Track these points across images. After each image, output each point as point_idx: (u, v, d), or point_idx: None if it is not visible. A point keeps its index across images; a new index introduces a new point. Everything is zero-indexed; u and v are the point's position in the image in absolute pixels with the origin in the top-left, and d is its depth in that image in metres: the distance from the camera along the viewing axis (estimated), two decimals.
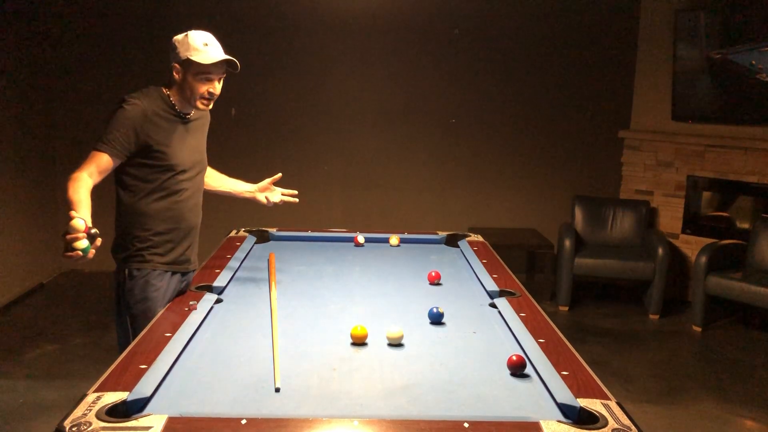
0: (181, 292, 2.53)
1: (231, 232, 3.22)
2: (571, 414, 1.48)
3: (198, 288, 2.33)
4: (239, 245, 2.94)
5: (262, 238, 3.17)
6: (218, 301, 2.26)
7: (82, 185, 2.18)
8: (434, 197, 5.77)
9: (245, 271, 2.66)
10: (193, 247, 2.55)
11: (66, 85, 5.37)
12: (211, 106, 2.43)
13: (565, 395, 1.54)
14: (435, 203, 5.76)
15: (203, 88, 2.32)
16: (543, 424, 1.40)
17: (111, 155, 2.25)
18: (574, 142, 5.72)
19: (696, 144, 5.24)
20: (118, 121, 2.25)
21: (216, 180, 2.82)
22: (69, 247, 1.95)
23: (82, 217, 1.99)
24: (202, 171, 2.60)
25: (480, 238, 3.21)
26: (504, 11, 5.49)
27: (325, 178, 5.71)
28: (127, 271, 2.40)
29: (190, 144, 2.47)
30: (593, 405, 1.49)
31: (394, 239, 3.19)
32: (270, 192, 2.82)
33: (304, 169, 5.70)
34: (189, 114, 2.44)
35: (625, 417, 1.44)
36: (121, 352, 2.42)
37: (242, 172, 6.03)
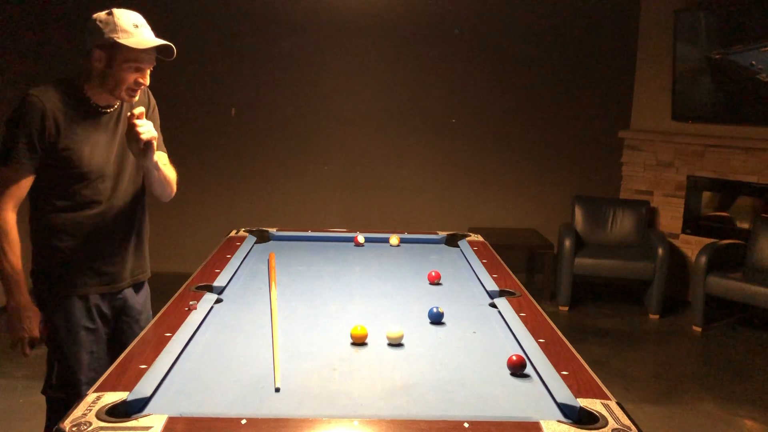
0: (120, 310, 2.27)
1: (231, 232, 3.21)
2: (571, 414, 1.48)
3: (198, 288, 2.33)
4: (239, 245, 2.94)
5: (262, 238, 3.16)
6: (218, 301, 2.26)
7: (16, 241, 1.98)
8: (434, 197, 5.77)
9: (245, 271, 2.66)
10: (126, 262, 2.24)
11: None
12: (137, 98, 2.07)
13: (565, 395, 1.54)
14: (435, 203, 5.76)
15: (131, 78, 1.98)
16: (543, 424, 1.40)
17: (25, 174, 1.97)
18: (574, 142, 5.72)
19: (696, 144, 5.24)
20: (18, 129, 1.94)
21: None
22: (25, 347, 2.03)
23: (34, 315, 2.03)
24: (137, 174, 2.18)
25: (480, 238, 3.21)
26: (504, 12, 5.50)
27: (325, 178, 5.71)
28: (40, 297, 2.13)
29: (110, 144, 2.08)
30: (593, 405, 1.49)
31: (394, 239, 3.19)
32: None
33: (304, 169, 5.70)
34: (110, 108, 2.07)
35: (625, 417, 1.44)
36: (45, 385, 2.17)
37: (242, 173, 6.05)
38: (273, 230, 3.25)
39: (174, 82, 5.44)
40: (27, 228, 2.16)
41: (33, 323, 2.06)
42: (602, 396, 1.54)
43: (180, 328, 1.92)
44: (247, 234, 3.15)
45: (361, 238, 3.15)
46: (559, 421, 1.42)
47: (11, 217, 2.00)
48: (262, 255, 2.91)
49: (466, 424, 1.40)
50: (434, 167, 5.75)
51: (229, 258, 2.71)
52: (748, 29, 4.81)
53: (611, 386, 1.70)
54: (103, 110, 2.07)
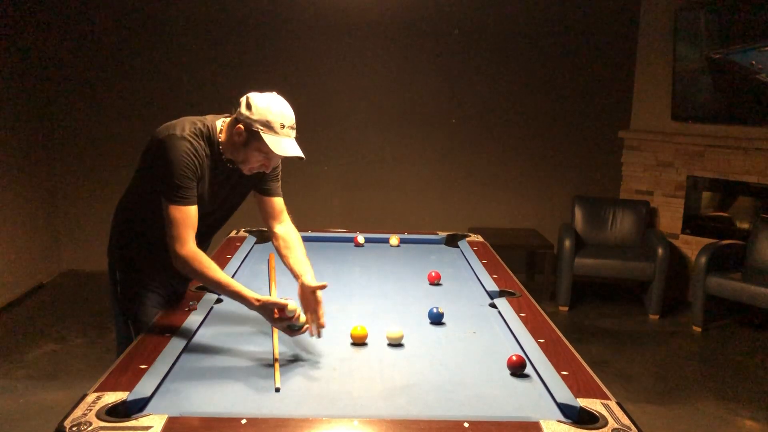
0: (175, 291, 2.43)
1: (231, 232, 3.22)
2: (571, 414, 1.48)
3: (198, 288, 2.33)
4: (239, 245, 2.94)
5: (262, 238, 3.17)
6: (218, 301, 2.26)
7: (210, 261, 2.05)
8: (434, 197, 5.77)
9: (245, 271, 2.66)
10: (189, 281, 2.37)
11: (66, 88, 5.37)
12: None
13: (565, 395, 1.54)
14: (435, 203, 5.76)
15: (257, 163, 2.12)
16: (543, 424, 1.40)
17: (194, 209, 2.08)
18: (574, 142, 5.72)
19: (696, 144, 5.24)
20: (184, 170, 2.03)
21: (288, 254, 2.41)
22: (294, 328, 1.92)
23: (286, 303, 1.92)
24: (223, 212, 2.39)
25: (480, 238, 3.21)
26: (504, 12, 5.49)
27: (325, 178, 5.71)
28: (118, 273, 2.31)
29: (222, 189, 2.25)
30: (593, 405, 1.49)
31: (394, 239, 3.19)
32: (312, 304, 2.14)
33: (304, 169, 5.69)
34: (233, 163, 2.20)
35: (625, 417, 1.44)
36: (120, 353, 2.37)
37: None
38: None
39: (174, 83, 5.44)
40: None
41: (278, 308, 1.99)
42: (602, 396, 1.54)
43: (180, 328, 1.92)
44: (247, 234, 3.16)
45: (361, 239, 3.15)
46: (559, 421, 1.42)
47: (196, 248, 2.06)
48: (262, 255, 2.92)
49: (466, 424, 1.40)
50: (434, 167, 5.75)
51: (229, 258, 2.72)
52: (748, 29, 4.81)
53: (611, 386, 1.70)
54: (228, 162, 2.18)
